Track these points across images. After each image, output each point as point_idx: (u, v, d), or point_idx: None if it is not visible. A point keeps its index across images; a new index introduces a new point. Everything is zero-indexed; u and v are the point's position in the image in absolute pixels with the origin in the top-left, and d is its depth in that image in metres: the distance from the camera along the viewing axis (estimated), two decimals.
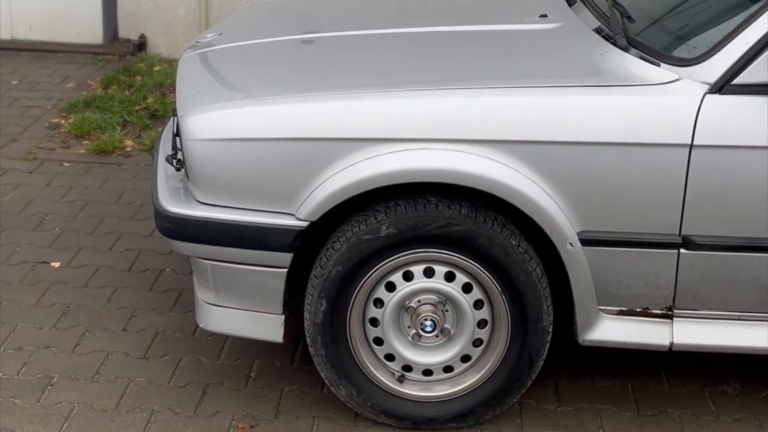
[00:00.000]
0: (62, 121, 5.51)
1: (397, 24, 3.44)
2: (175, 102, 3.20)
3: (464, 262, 2.80)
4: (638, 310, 2.88)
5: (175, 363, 3.31)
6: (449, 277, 2.84)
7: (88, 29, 6.81)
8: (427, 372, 2.94)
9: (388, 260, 2.80)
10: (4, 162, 4.97)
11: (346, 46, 3.29)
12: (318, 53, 3.28)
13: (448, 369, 2.94)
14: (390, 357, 2.93)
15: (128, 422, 3.00)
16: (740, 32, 2.69)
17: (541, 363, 2.92)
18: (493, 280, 2.81)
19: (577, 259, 2.77)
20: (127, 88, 5.98)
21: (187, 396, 3.14)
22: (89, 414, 3.04)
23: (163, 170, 3.10)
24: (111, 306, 3.66)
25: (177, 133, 3.01)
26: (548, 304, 2.85)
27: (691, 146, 2.66)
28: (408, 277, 2.84)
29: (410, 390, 2.96)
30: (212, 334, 3.29)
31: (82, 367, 3.27)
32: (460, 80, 2.89)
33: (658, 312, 2.87)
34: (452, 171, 2.71)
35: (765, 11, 2.68)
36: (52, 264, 3.96)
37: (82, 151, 5.11)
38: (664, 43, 2.94)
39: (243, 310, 2.93)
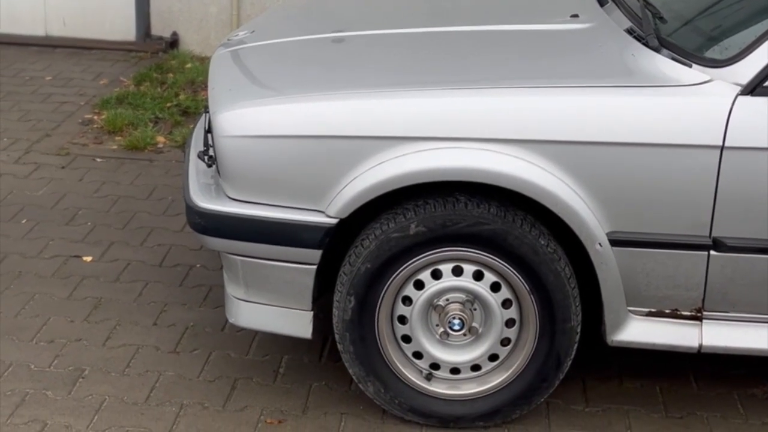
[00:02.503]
0: (95, 117, 5.56)
1: (427, 23, 3.44)
2: (206, 99, 3.22)
3: (493, 261, 2.80)
4: (667, 311, 2.87)
5: (204, 358, 3.34)
6: (478, 276, 2.84)
7: (121, 26, 6.87)
8: (455, 370, 2.95)
9: (416, 258, 2.81)
10: (37, 157, 5.03)
11: (376, 45, 3.30)
12: (348, 51, 3.30)
13: (475, 367, 2.95)
14: (418, 355, 2.94)
15: (158, 415, 3.03)
16: None
17: (569, 363, 2.92)
18: (522, 279, 2.81)
19: (606, 260, 2.77)
20: (159, 85, 6.02)
21: (217, 390, 3.16)
22: (119, 406, 3.07)
23: (195, 166, 3.12)
24: (142, 300, 3.70)
25: (209, 130, 3.03)
26: (577, 304, 2.84)
27: (723, 148, 2.65)
28: (436, 275, 2.85)
29: (438, 388, 2.97)
30: (241, 329, 3.32)
31: (113, 361, 3.31)
32: (490, 79, 2.90)
33: (688, 314, 2.86)
34: (482, 170, 2.71)
35: None
36: (84, 258, 4.00)
37: (115, 147, 5.16)
38: (696, 44, 2.93)
39: (272, 306, 2.95)
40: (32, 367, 3.26)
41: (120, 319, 3.57)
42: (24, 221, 4.31)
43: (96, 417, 3.02)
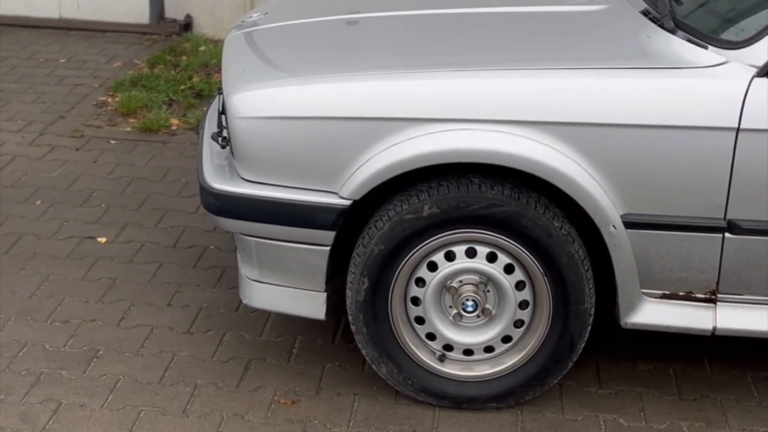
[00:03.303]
0: (109, 100, 5.58)
1: (441, 5, 3.43)
2: (220, 81, 3.22)
3: (506, 243, 2.80)
4: (681, 293, 2.86)
5: (218, 338, 3.35)
6: (491, 258, 2.84)
7: (135, 9, 6.88)
8: (468, 352, 2.96)
9: (430, 240, 2.81)
10: (52, 139, 5.04)
11: (389, 26, 3.29)
12: (362, 33, 3.29)
13: (489, 349, 2.95)
14: (431, 336, 2.95)
15: (172, 395, 3.05)
16: None
17: (583, 345, 2.92)
18: (535, 261, 2.81)
19: (620, 242, 2.76)
20: (172, 68, 6.03)
21: (230, 371, 3.18)
22: (134, 386, 3.09)
23: (209, 148, 3.13)
24: (156, 281, 3.71)
25: (222, 111, 3.04)
26: (590, 286, 2.84)
27: (738, 130, 2.64)
28: (450, 257, 2.85)
29: (451, 369, 2.97)
30: (255, 310, 3.33)
31: (127, 341, 3.32)
32: (505, 61, 2.89)
33: (702, 296, 2.86)
34: (496, 152, 2.71)
35: None
36: (99, 239, 4.02)
37: (129, 129, 5.17)
38: (711, 26, 2.92)
39: (286, 287, 2.96)
40: (47, 347, 3.28)
41: (134, 299, 3.58)
42: (38, 203, 4.33)
43: (110, 396, 3.04)
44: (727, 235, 2.74)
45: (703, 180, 2.70)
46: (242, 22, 3.54)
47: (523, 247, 2.80)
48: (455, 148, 2.72)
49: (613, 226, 2.74)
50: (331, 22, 3.36)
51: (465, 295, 2.86)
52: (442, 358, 2.97)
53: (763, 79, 2.65)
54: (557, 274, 2.81)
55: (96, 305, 3.54)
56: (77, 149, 4.92)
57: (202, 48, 6.40)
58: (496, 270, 2.85)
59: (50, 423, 2.91)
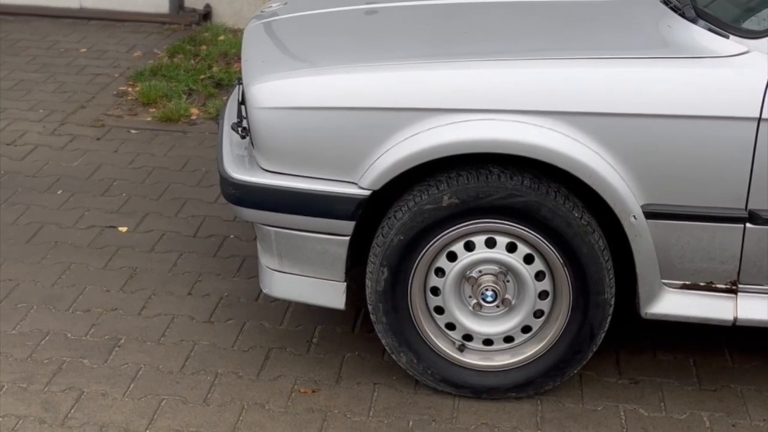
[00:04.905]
0: (129, 89, 5.60)
1: None
2: (240, 71, 3.23)
3: (526, 233, 2.80)
4: (702, 284, 2.85)
5: (238, 327, 3.37)
6: (511, 248, 2.84)
7: None
8: (488, 342, 2.96)
9: (449, 230, 2.82)
10: (73, 128, 5.07)
11: (408, 17, 3.29)
12: (381, 23, 3.29)
13: (508, 339, 2.96)
14: (450, 326, 2.95)
15: (193, 384, 3.07)
16: None
17: (602, 335, 2.92)
18: (555, 251, 2.81)
19: (640, 233, 2.76)
20: (192, 57, 6.05)
21: (251, 360, 3.19)
22: (155, 375, 3.11)
23: (229, 138, 3.14)
24: (176, 270, 3.73)
25: (242, 102, 3.04)
26: (610, 276, 2.84)
27: (760, 119, 2.63)
28: (469, 247, 2.85)
29: (470, 359, 2.98)
30: (275, 299, 3.34)
31: (149, 330, 3.34)
32: (524, 51, 2.88)
33: (723, 286, 2.85)
34: (515, 142, 2.70)
35: None
36: (120, 229, 4.04)
37: (149, 119, 5.19)
38: (733, 15, 2.90)
39: (306, 277, 2.97)
40: (69, 335, 3.31)
41: (155, 288, 3.60)
42: (60, 192, 4.36)
43: (132, 385, 3.06)
44: (748, 225, 2.73)
45: (723, 170, 2.68)
46: (262, 12, 3.54)
47: (542, 237, 2.79)
48: (475, 139, 2.71)
49: (634, 216, 2.74)
50: (350, 12, 3.35)
51: (484, 285, 2.86)
52: (461, 348, 2.97)
53: None
54: (577, 264, 2.80)
55: (117, 294, 3.56)
56: (98, 139, 4.95)
57: (222, 37, 6.41)
58: (515, 260, 2.85)
59: (72, 411, 2.94)
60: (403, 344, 2.96)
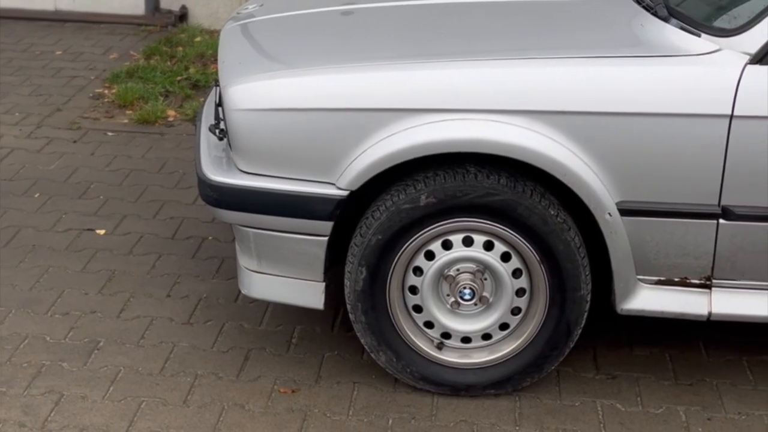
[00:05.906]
0: (106, 91, 5.58)
1: None
2: (217, 72, 3.24)
3: (503, 231, 2.82)
4: (677, 279, 2.89)
5: (218, 329, 3.37)
6: (488, 246, 2.86)
7: (130, 0, 6.87)
8: (466, 339, 2.98)
9: (427, 229, 2.83)
10: (49, 131, 5.05)
11: (384, 17, 3.30)
12: (357, 24, 3.31)
13: (486, 336, 2.98)
14: (429, 324, 2.97)
15: (173, 386, 3.07)
16: None
17: (579, 331, 2.95)
18: (532, 249, 2.83)
19: (615, 229, 2.79)
20: (168, 59, 6.04)
21: (230, 361, 3.20)
22: (135, 377, 3.11)
23: (206, 140, 3.14)
24: (155, 273, 3.73)
25: (219, 103, 3.05)
26: (587, 273, 2.86)
27: (732, 117, 2.66)
28: (447, 245, 2.87)
29: (449, 357, 3.00)
30: (254, 300, 3.35)
31: (128, 332, 3.34)
32: (499, 51, 2.90)
33: (697, 282, 2.88)
34: (491, 141, 2.72)
35: None
36: (98, 231, 4.03)
37: (126, 121, 5.19)
38: (704, 14, 2.93)
39: (284, 278, 2.98)
40: (48, 339, 3.30)
41: (134, 291, 3.60)
42: (36, 195, 4.35)
43: (111, 388, 3.06)
44: (721, 221, 2.76)
45: (697, 167, 2.71)
46: (238, 13, 3.55)
47: (519, 235, 2.82)
48: (451, 138, 2.73)
49: (609, 213, 2.76)
50: (326, 13, 3.37)
51: (462, 283, 2.88)
52: (440, 346, 2.99)
53: (756, 66, 2.66)
54: (554, 261, 2.83)
55: (96, 297, 3.56)
56: (75, 141, 4.94)
57: (198, 39, 6.41)
58: (492, 258, 2.87)
59: (52, 415, 2.94)
60: (382, 343, 2.97)
